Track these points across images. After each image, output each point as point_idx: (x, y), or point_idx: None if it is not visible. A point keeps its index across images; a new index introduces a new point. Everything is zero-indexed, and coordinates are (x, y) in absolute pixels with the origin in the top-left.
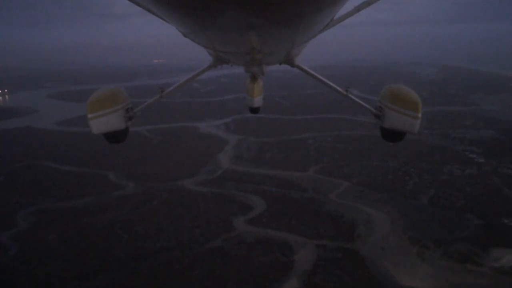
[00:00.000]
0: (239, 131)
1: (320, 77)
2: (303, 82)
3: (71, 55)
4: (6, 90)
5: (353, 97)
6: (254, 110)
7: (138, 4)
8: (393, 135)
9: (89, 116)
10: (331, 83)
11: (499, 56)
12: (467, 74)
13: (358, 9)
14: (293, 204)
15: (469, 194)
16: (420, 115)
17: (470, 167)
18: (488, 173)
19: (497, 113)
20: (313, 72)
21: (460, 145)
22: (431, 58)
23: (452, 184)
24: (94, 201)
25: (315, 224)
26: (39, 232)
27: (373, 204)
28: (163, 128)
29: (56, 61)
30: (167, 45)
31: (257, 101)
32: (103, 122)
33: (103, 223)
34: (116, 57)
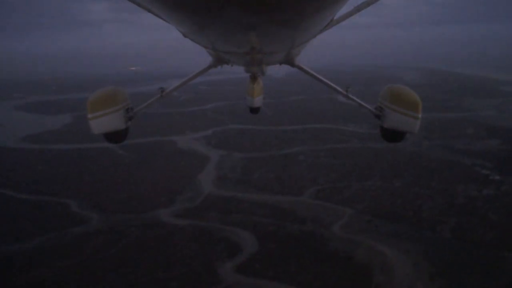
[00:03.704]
0: (221, 145)
1: (320, 77)
2: (286, 89)
3: (41, 64)
4: None
5: (353, 97)
6: (254, 110)
7: (138, 5)
8: (393, 135)
9: (89, 116)
10: (331, 83)
11: (485, 58)
12: (453, 78)
13: (358, 9)
14: (290, 241)
15: (496, 224)
16: (420, 115)
17: (487, 187)
18: (509, 194)
19: (496, 119)
20: (313, 72)
21: (468, 158)
22: (413, 61)
23: (473, 210)
24: (49, 243)
25: (321, 271)
26: None
27: (386, 239)
28: (138, 144)
29: (25, 70)
30: (144, 52)
31: (257, 101)
32: (103, 122)
33: (56, 276)
34: (90, 65)
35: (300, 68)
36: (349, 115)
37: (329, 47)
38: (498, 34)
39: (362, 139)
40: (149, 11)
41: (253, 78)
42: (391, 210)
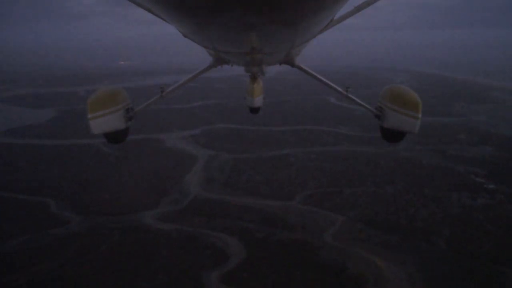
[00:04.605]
0: (209, 145)
1: (320, 77)
2: (275, 89)
3: (28, 56)
4: None
5: (353, 97)
6: (254, 110)
7: (138, 5)
8: (393, 135)
9: (89, 116)
10: (331, 84)
11: (477, 64)
12: (443, 82)
13: (358, 9)
14: (280, 250)
15: (493, 235)
16: (420, 115)
17: (482, 195)
18: (504, 203)
19: (488, 125)
20: (313, 72)
21: (461, 165)
22: (405, 64)
23: (468, 219)
24: (25, 245)
25: (312, 282)
26: None
27: (379, 249)
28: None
29: (10, 63)
30: (135, 47)
31: (257, 101)
32: (103, 122)
33: (31, 281)
34: (79, 58)
35: (300, 68)
36: (340, 117)
37: (325, 49)
38: (492, 40)
39: (353, 142)
40: (149, 11)
41: (253, 78)
42: (384, 218)
